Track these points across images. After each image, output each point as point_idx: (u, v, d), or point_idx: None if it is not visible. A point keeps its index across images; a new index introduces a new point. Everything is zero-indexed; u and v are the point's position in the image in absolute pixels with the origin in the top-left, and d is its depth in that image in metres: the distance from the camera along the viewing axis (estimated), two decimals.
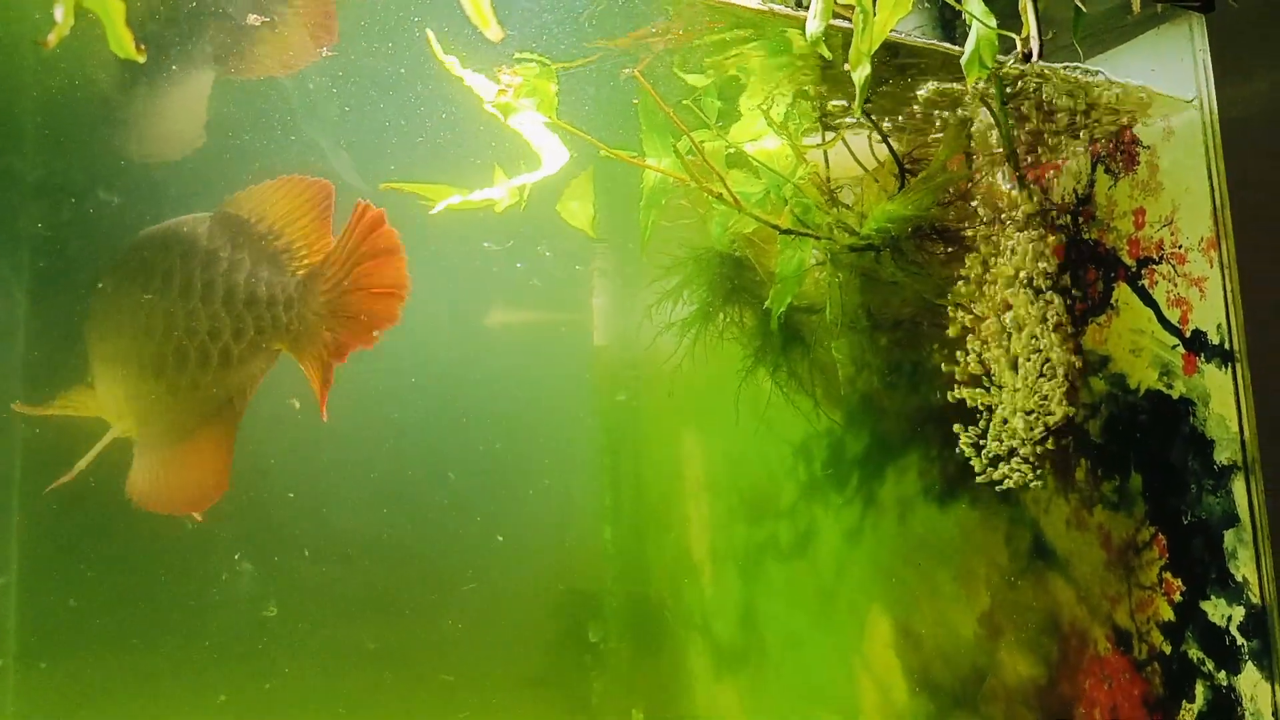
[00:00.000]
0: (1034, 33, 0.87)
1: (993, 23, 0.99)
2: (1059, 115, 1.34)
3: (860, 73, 0.86)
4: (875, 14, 0.92)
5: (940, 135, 1.32)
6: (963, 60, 1.02)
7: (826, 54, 0.86)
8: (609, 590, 2.53)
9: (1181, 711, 1.33)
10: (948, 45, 1.13)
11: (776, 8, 1.12)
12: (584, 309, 2.47)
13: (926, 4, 1.04)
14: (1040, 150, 1.46)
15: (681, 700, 2.39)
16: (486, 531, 2.20)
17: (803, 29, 1.13)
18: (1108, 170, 1.44)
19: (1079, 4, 0.90)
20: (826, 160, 1.33)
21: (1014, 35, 0.93)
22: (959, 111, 1.25)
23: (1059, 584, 1.48)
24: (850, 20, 0.98)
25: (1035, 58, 0.86)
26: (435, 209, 1.32)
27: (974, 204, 1.33)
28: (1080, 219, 1.47)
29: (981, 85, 1.14)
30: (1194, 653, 1.32)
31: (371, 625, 1.93)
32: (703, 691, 2.33)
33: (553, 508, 2.45)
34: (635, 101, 1.28)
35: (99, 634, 1.41)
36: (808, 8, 1.00)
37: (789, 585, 2.06)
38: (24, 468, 1.29)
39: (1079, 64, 1.18)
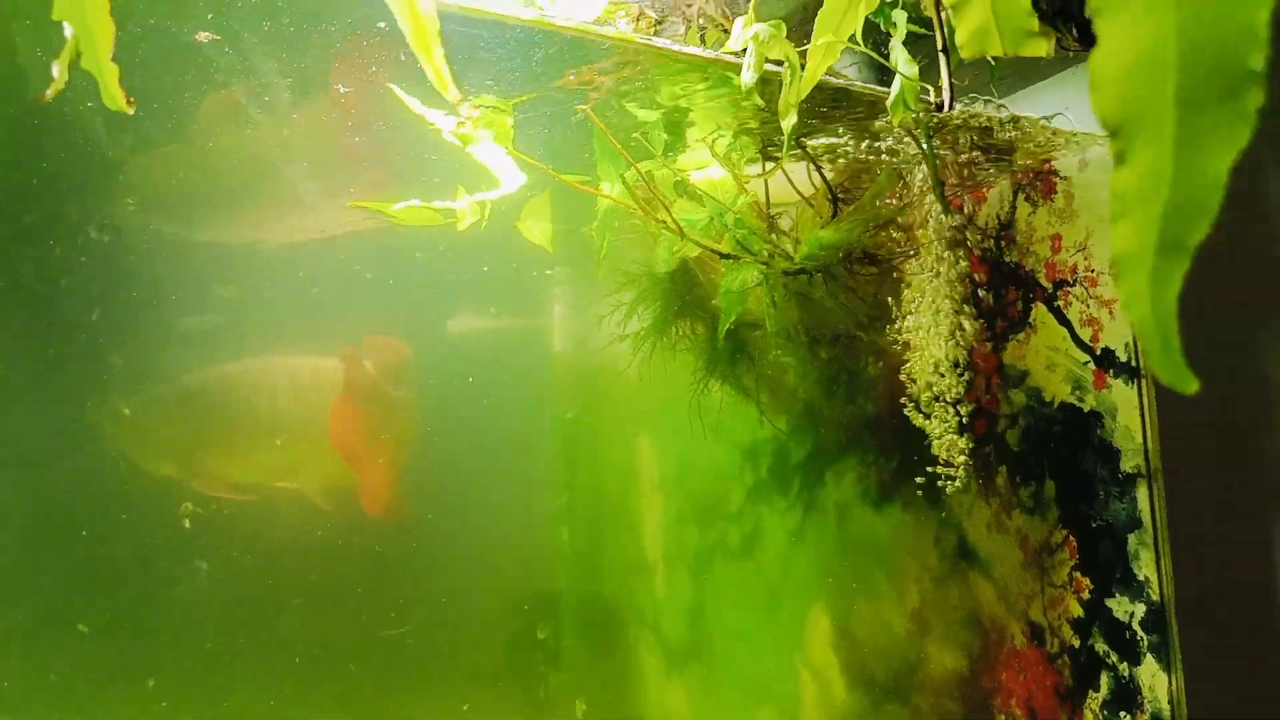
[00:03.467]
0: (946, 85, 0.97)
1: (914, 71, 1.09)
2: (983, 149, 1.44)
3: (788, 121, 0.96)
4: (805, 63, 1.02)
5: (872, 163, 1.42)
6: (888, 103, 1.12)
7: (760, 102, 0.96)
8: (565, 590, 2.62)
9: (1088, 700, 1.44)
10: (876, 88, 1.23)
11: (714, 53, 1.22)
12: (545, 316, 2.55)
13: (853, 46, 1.14)
14: (967, 180, 1.56)
15: (633, 696, 2.47)
16: (447, 533, 2.27)
17: (738, 71, 1.23)
18: (1028, 199, 1.55)
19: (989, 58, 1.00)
20: (767, 189, 1.42)
21: (928, 86, 1.03)
22: (888, 144, 1.36)
23: (981, 583, 1.59)
24: (779, 64, 1.08)
25: (946, 108, 0.96)
26: (394, 208, 1.40)
27: (903, 230, 1.43)
28: (1003, 243, 1.58)
29: (909, 123, 1.24)
30: (1100, 646, 1.43)
31: (335, 625, 1.99)
32: (654, 687, 2.42)
33: (512, 510, 2.53)
34: (578, 113, 1.37)
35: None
36: (725, 47, 1.09)
37: (736, 585, 2.16)
38: None
39: (993, 101, 1.29)
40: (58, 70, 0.73)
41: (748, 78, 0.96)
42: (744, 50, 0.99)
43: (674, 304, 1.64)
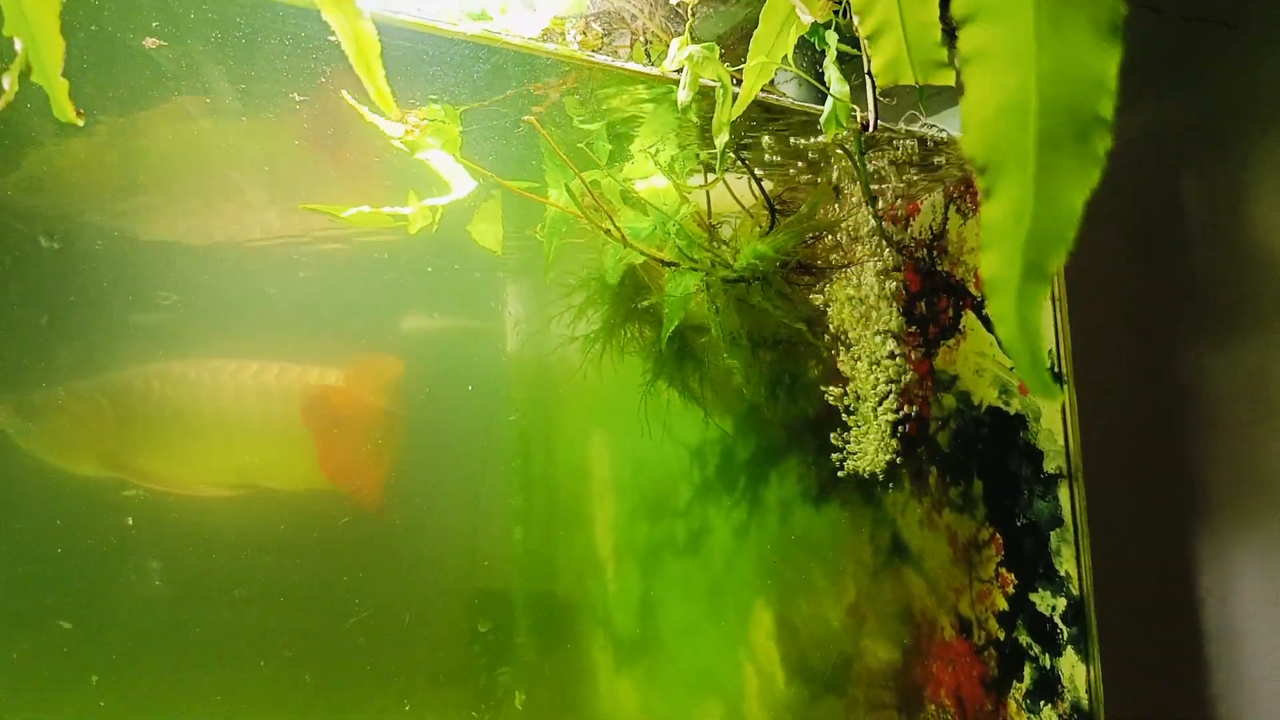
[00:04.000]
0: (871, 106, 1.02)
1: (845, 90, 1.15)
2: (913, 163, 1.51)
3: (720, 139, 1.01)
4: (741, 82, 1.07)
5: (808, 177, 1.48)
6: (821, 121, 1.18)
7: (695, 119, 1.00)
8: (518, 588, 2.64)
9: (1013, 690, 1.51)
10: (811, 105, 1.28)
11: (653, 70, 1.27)
12: (497, 318, 2.58)
13: (785, 67, 1.19)
14: (903, 192, 1.63)
15: (583, 690, 2.51)
16: (400, 532, 2.29)
17: (665, 85, 1.28)
18: (959, 210, 1.62)
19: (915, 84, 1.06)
20: (709, 199, 1.47)
21: (856, 108, 1.08)
22: (824, 161, 1.41)
23: (913, 577, 1.66)
24: (714, 83, 1.13)
25: (871, 129, 1.02)
26: (345, 214, 1.43)
27: (836, 241, 1.49)
28: (935, 253, 1.65)
29: (842, 139, 1.30)
30: (1024, 638, 1.50)
31: (280, 623, 2.00)
32: (604, 682, 2.46)
33: (465, 510, 2.55)
34: (520, 122, 1.41)
35: None
36: (661, 67, 1.14)
37: (683, 581, 2.21)
38: None
39: (919, 120, 1.35)
40: (8, 82, 0.76)
41: (683, 96, 1.01)
42: (680, 70, 1.03)
43: (622, 308, 1.68)
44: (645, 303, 1.68)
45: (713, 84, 1.04)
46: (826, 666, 1.75)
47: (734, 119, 1.01)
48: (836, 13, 1.16)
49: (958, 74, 0.95)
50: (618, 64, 1.15)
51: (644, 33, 1.46)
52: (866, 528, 1.73)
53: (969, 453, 1.59)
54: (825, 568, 1.79)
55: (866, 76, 1.02)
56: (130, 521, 1.60)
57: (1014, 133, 0.47)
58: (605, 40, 1.49)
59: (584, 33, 1.45)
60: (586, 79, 1.31)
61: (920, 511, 1.66)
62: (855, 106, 1.17)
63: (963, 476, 1.60)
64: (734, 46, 1.48)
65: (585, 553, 2.59)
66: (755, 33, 1.08)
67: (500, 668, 2.38)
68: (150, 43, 1.22)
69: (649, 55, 1.47)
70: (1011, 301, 0.48)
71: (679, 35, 1.45)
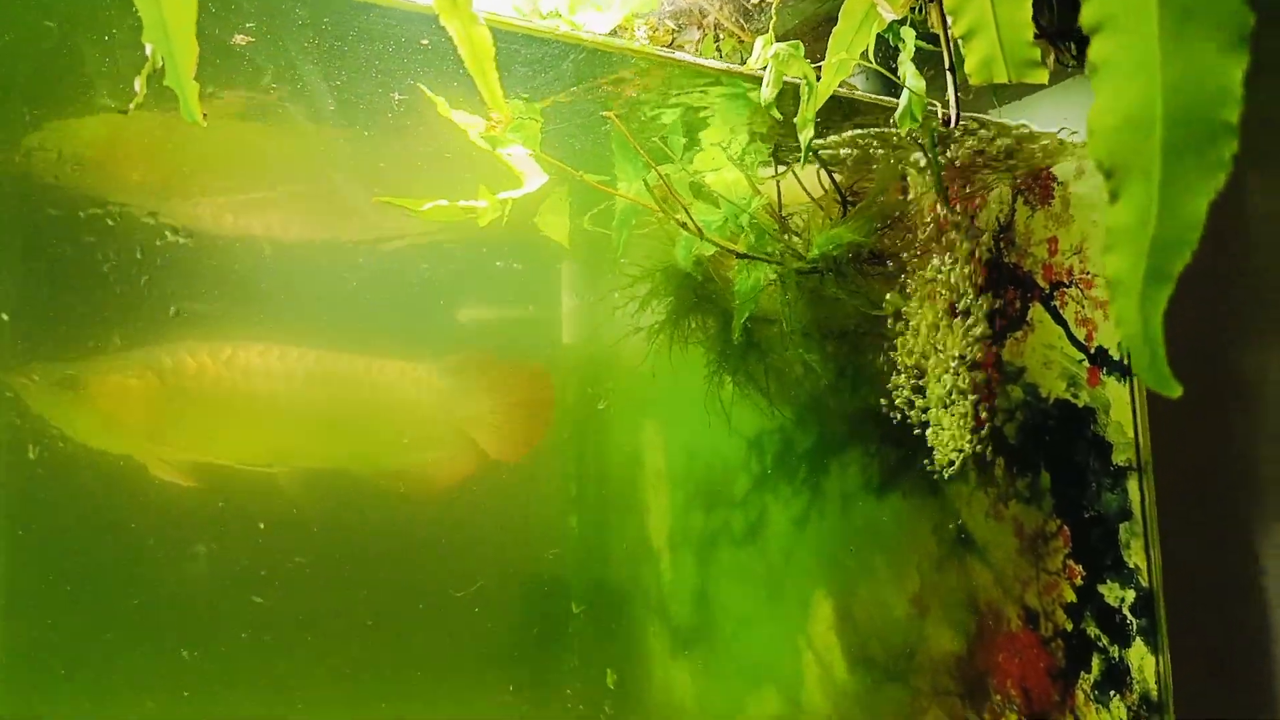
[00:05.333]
0: (953, 102, 1.03)
1: (921, 85, 1.16)
2: (985, 156, 1.51)
3: (805, 134, 1.02)
4: (819, 78, 1.08)
5: (879, 168, 1.49)
6: (896, 115, 1.19)
7: (778, 115, 1.02)
8: (574, 576, 2.68)
9: (1080, 681, 1.52)
10: (887, 99, 1.29)
11: (729, 65, 1.28)
12: (554, 309, 2.61)
13: (863, 62, 1.20)
14: (968, 183, 1.63)
15: (639, 677, 2.54)
16: (459, 520, 2.33)
17: (754, 83, 1.30)
18: (1026, 202, 1.62)
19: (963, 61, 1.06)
20: (779, 191, 1.49)
21: (936, 103, 1.09)
22: (895, 152, 1.42)
23: (978, 568, 1.67)
24: (796, 79, 1.15)
25: (954, 123, 1.03)
26: (424, 208, 1.46)
27: (907, 231, 1.50)
28: (1002, 244, 1.65)
29: (915, 133, 1.31)
30: (1092, 630, 1.51)
31: (359, 611, 2.05)
32: (659, 669, 2.49)
33: (522, 498, 2.59)
34: (608, 120, 1.44)
35: None
36: (747, 65, 1.16)
37: (740, 570, 2.23)
38: None
39: (994, 114, 1.35)
40: (139, 85, 0.79)
41: (767, 93, 1.02)
42: (763, 66, 1.05)
43: (687, 299, 1.70)
44: (710, 294, 1.70)
45: (793, 80, 1.06)
46: (889, 655, 1.77)
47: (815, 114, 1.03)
48: (913, 9, 1.17)
49: (1055, 59, 0.95)
50: (702, 61, 1.17)
51: (715, 26, 1.48)
52: (931, 519, 1.73)
53: (1036, 445, 1.60)
54: (888, 558, 1.81)
55: (948, 73, 1.03)
56: (221, 504, 1.65)
57: (1139, 139, 0.48)
58: (675, 35, 1.51)
59: (655, 29, 1.47)
60: (661, 75, 1.32)
61: (986, 503, 1.67)
62: (933, 101, 1.18)
63: (1030, 468, 1.60)
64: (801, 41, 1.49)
65: (640, 541, 2.62)
66: (835, 29, 1.10)
67: (566, 655, 2.42)
68: (240, 39, 1.26)
69: (719, 50, 1.48)
70: (1135, 303, 0.49)
71: (748, 30, 1.46)
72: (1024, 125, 1.39)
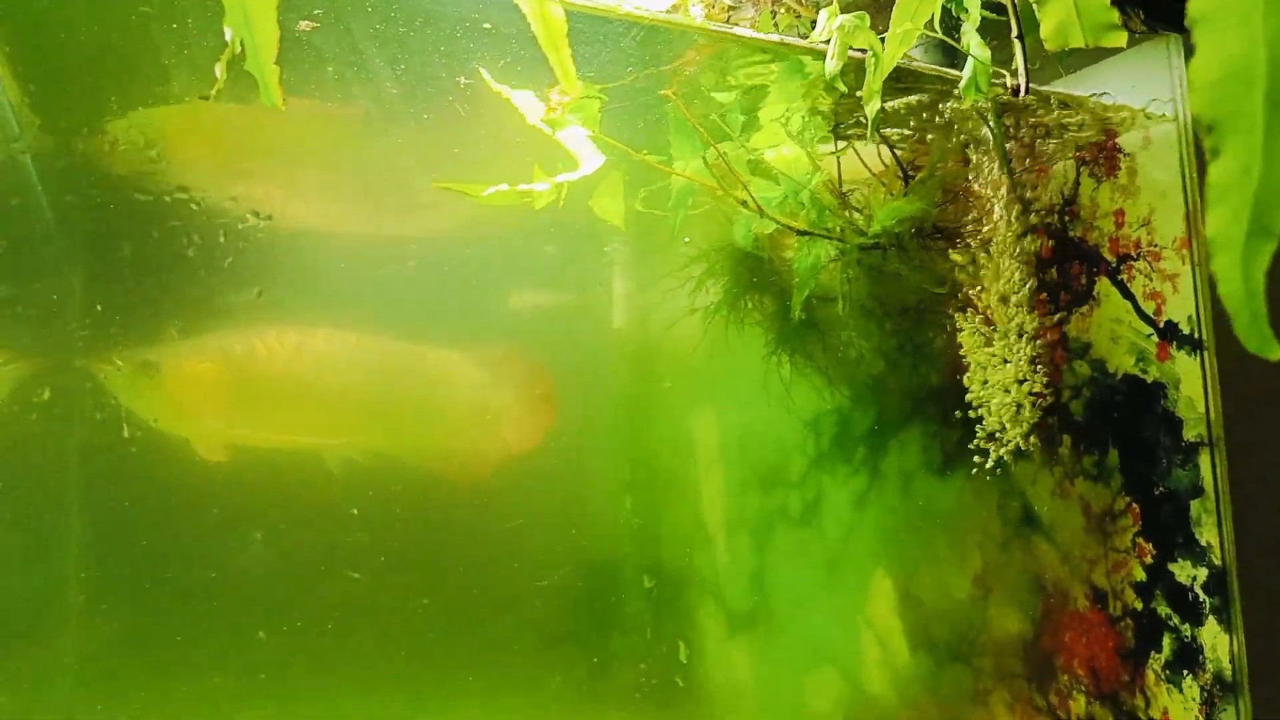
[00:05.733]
0: (1021, 71, 1.01)
1: (987, 55, 1.14)
2: (1049, 126, 1.48)
3: (872, 106, 1.01)
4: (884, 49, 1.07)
5: (939, 141, 1.47)
6: (960, 86, 1.17)
7: (843, 88, 1.01)
8: (628, 557, 2.69)
9: (1150, 660, 1.49)
10: (948, 70, 1.27)
11: (790, 39, 1.27)
12: (605, 293, 2.61)
13: (928, 32, 1.19)
14: (1031, 156, 1.60)
15: (695, 657, 2.55)
16: (514, 502, 2.35)
17: (814, 57, 1.29)
18: (1091, 174, 1.59)
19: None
20: (839, 166, 1.47)
21: (1004, 71, 1.08)
22: (955, 125, 1.40)
23: (1044, 548, 1.64)
24: (859, 51, 1.13)
25: (1022, 93, 1.01)
26: (485, 193, 1.47)
27: (969, 204, 1.48)
28: (1066, 218, 1.62)
29: (979, 103, 1.29)
30: (1162, 609, 1.48)
31: (413, 592, 2.07)
32: (714, 649, 2.49)
33: (576, 480, 2.60)
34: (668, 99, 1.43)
35: None
36: (812, 38, 1.14)
37: (798, 551, 2.22)
38: None
39: (1063, 92, 1.33)
40: (220, 71, 0.80)
41: (831, 65, 1.01)
42: (814, 36, 1.04)
43: (744, 279, 1.70)
44: (766, 273, 1.69)
45: (855, 54, 1.05)
46: (952, 636, 1.76)
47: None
48: None
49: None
50: (764, 36, 1.16)
51: (770, 2, 1.47)
52: (994, 498, 1.71)
53: (1104, 421, 1.57)
54: (950, 538, 1.79)
55: (1017, 41, 1.01)
56: (290, 486, 1.67)
57: (1242, 93, 0.47)
58: (731, 11, 1.50)
59: (711, 6, 1.46)
60: (720, 52, 1.32)
61: (1051, 481, 1.64)
62: (999, 70, 1.16)
63: (1097, 445, 1.58)
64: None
65: (693, 522, 2.62)
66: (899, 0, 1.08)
67: (620, 636, 2.43)
68: (304, 25, 1.27)
69: (776, 25, 1.47)
70: (1236, 259, 0.48)
71: (804, 4, 1.44)
72: (1103, 94, 1.37)
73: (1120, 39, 0.79)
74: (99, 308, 1.43)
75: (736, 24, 1.44)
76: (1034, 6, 0.81)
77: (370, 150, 1.52)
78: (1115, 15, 0.78)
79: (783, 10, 1.47)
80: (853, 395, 1.90)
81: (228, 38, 0.74)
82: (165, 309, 1.49)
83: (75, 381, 1.40)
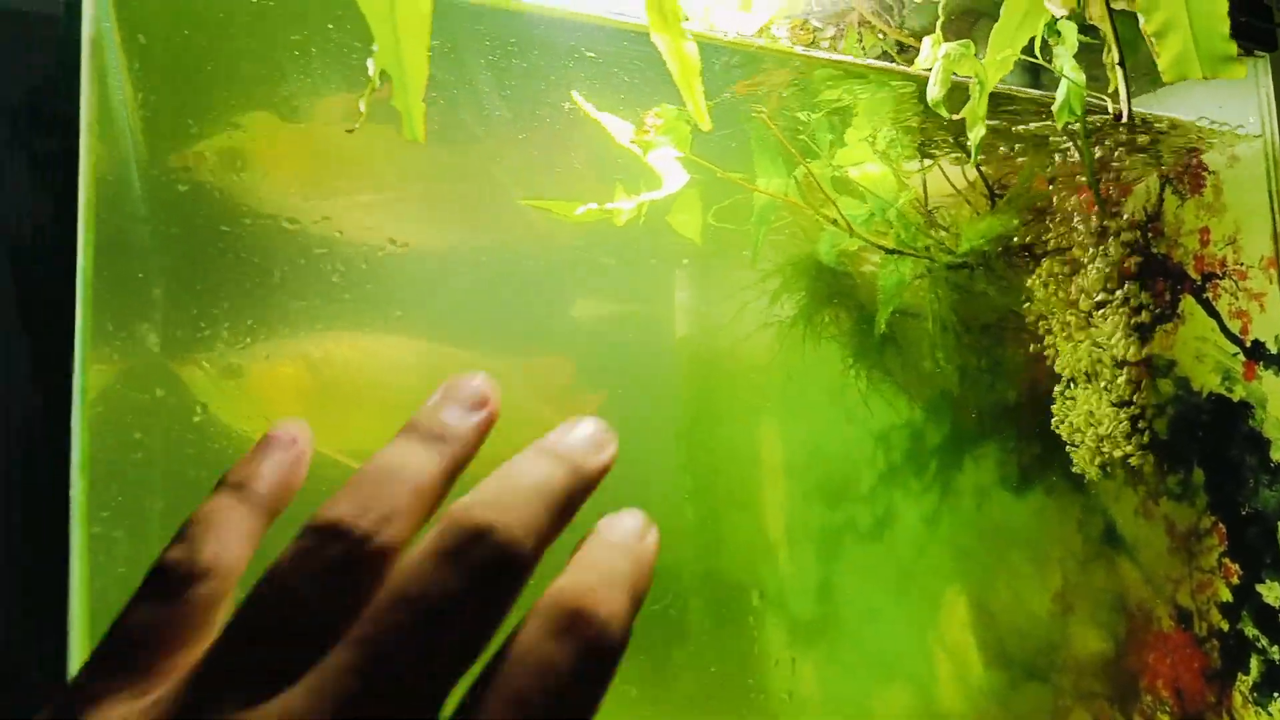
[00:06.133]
0: (1124, 97, 1.02)
1: (1082, 78, 1.15)
2: (1135, 147, 1.48)
3: (976, 131, 1.02)
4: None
5: (1025, 161, 1.48)
6: (1054, 108, 1.18)
7: (946, 114, 1.03)
8: (689, 567, 2.71)
9: (1237, 682, 1.48)
10: (1039, 92, 1.28)
11: (879, 63, 1.29)
12: (674, 306, 2.63)
13: (1026, 56, 1.20)
14: (1114, 173, 1.60)
15: (757, 668, 2.56)
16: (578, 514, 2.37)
17: (903, 79, 1.30)
18: (1175, 191, 1.58)
19: (1156, 59, 1.05)
20: (925, 185, 1.49)
21: (1103, 97, 1.08)
22: (1044, 146, 1.41)
23: (1126, 566, 1.64)
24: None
25: (1125, 118, 1.02)
26: (576, 212, 1.50)
27: (1056, 223, 1.48)
28: (1150, 235, 1.61)
29: (1071, 126, 1.29)
30: (1250, 630, 1.47)
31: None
32: (778, 660, 2.50)
33: (639, 490, 2.62)
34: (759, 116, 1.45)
35: None
36: (915, 65, 1.16)
37: (866, 565, 2.22)
38: None
39: (1150, 112, 1.33)
40: (363, 106, 0.84)
41: (935, 92, 1.03)
42: (904, 58, 1.06)
43: (820, 293, 1.71)
44: (844, 289, 1.70)
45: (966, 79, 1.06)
46: (1029, 654, 1.75)
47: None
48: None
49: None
50: (868, 62, 1.18)
51: (859, 23, 1.48)
52: (1075, 516, 1.71)
53: (1188, 440, 1.56)
54: (1028, 555, 1.79)
55: (1119, 68, 1.02)
56: None
57: None
58: (817, 33, 1.52)
59: (800, 28, 1.48)
60: (810, 74, 1.34)
61: (1135, 500, 1.64)
62: (1095, 95, 1.17)
63: (1181, 465, 1.57)
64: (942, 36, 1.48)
65: (758, 534, 2.63)
66: (997, 25, 1.10)
67: (680, 646, 2.45)
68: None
69: (863, 47, 1.48)
70: None
71: (892, 26, 1.46)
72: (1201, 118, 1.37)
73: (1240, 71, 0.80)
74: (193, 311, 1.48)
75: (817, 45, 1.46)
76: (1148, 38, 0.82)
77: (467, 168, 1.56)
78: (1234, 47, 0.79)
79: (867, 32, 1.49)
80: (927, 410, 1.90)
81: (370, 71, 0.78)
82: (250, 316, 1.53)
83: (165, 382, 1.44)
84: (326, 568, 0.29)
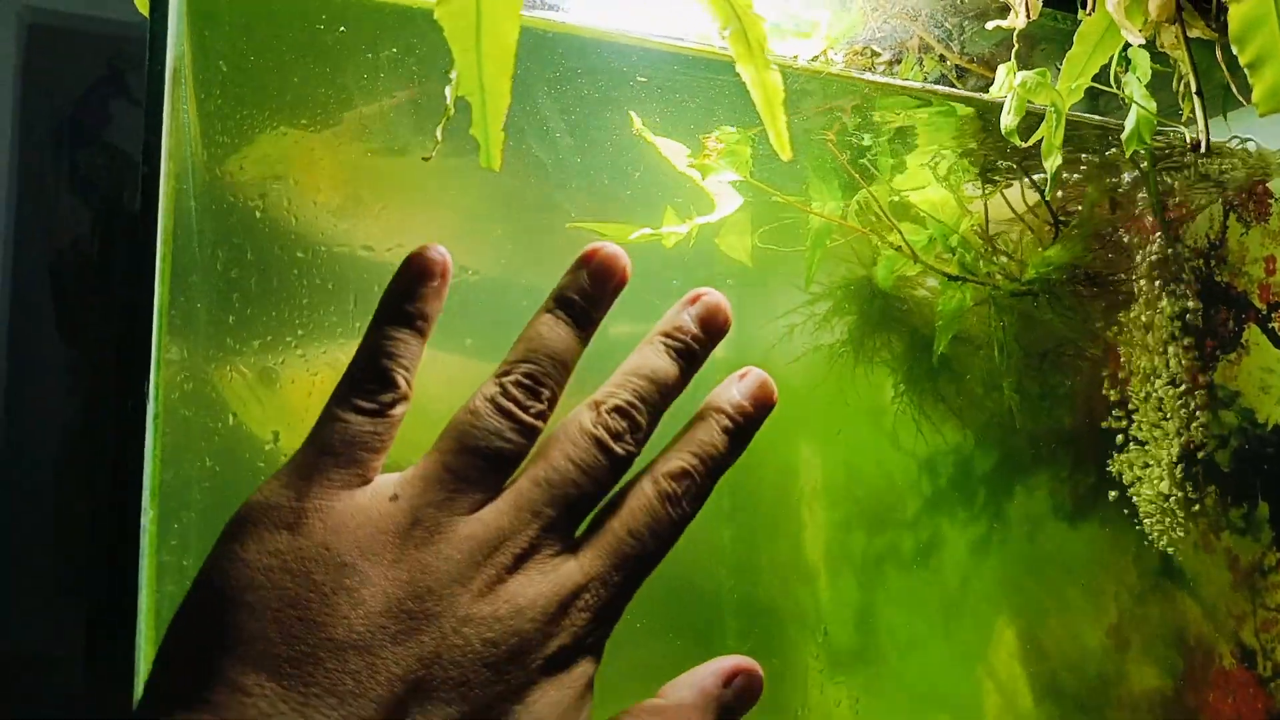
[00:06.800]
0: (1202, 127, 1.00)
1: (1152, 106, 1.13)
2: (1199, 171, 1.46)
3: (1053, 161, 1.01)
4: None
5: (1088, 189, 1.46)
6: (1123, 136, 1.16)
7: (1019, 142, 1.01)
8: (727, 590, 2.68)
9: None
10: (1107, 119, 1.27)
11: (942, 88, 1.28)
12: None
13: (1097, 84, 1.18)
14: (1178, 201, 1.57)
15: (795, 694, 2.53)
16: None
17: (964, 105, 1.29)
18: (1239, 219, 1.55)
19: (1232, 87, 1.03)
20: (986, 211, 1.47)
21: (1180, 126, 1.06)
22: (1110, 174, 1.39)
23: (1186, 602, 1.60)
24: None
25: (1203, 149, 1.00)
26: (631, 237, 1.49)
27: (1121, 252, 1.46)
28: (1213, 262, 1.58)
29: (1138, 155, 1.27)
30: None
31: None
32: (815, 688, 2.47)
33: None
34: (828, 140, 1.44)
35: None
36: (991, 93, 1.15)
37: (910, 593, 2.19)
38: None
39: (1234, 138, 1.31)
40: (439, 134, 0.84)
41: (1009, 120, 1.02)
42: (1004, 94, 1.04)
43: (872, 317, 1.69)
44: (897, 314, 1.68)
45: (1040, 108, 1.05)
46: (1083, 689, 1.72)
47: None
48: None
49: None
50: (941, 89, 1.17)
51: (919, 48, 1.47)
52: (1131, 548, 1.68)
53: (1253, 473, 1.53)
54: (1081, 588, 1.75)
55: (1196, 97, 1.00)
56: None
57: None
58: (875, 58, 1.51)
59: (859, 53, 1.47)
60: (869, 98, 1.33)
61: (1195, 533, 1.60)
62: (1168, 123, 1.15)
63: (1245, 498, 1.54)
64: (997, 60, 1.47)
65: (796, 558, 2.60)
66: (1070, 53, 1.08)
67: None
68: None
69: (924, 72, 1.47)
70: None
71: (951, 51, 1.45)
72: (1250, 139, 1.34)
73: None
74: (230, 320, 1.48)
75: (875, 69, 1.44)
76: (1241, 69, 0.80)
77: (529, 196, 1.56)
78: None
79: (927, 56, 1.48)
80: (978, 437, 1.87)
81: (448, 99, 0.77)
82: (286, 325, 1.52)
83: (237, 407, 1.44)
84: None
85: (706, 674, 0.50)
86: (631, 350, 0.57)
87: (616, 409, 0.47)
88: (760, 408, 0.51)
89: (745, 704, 0.49)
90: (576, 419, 0.45)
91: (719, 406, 0.52)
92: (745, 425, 0.52)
